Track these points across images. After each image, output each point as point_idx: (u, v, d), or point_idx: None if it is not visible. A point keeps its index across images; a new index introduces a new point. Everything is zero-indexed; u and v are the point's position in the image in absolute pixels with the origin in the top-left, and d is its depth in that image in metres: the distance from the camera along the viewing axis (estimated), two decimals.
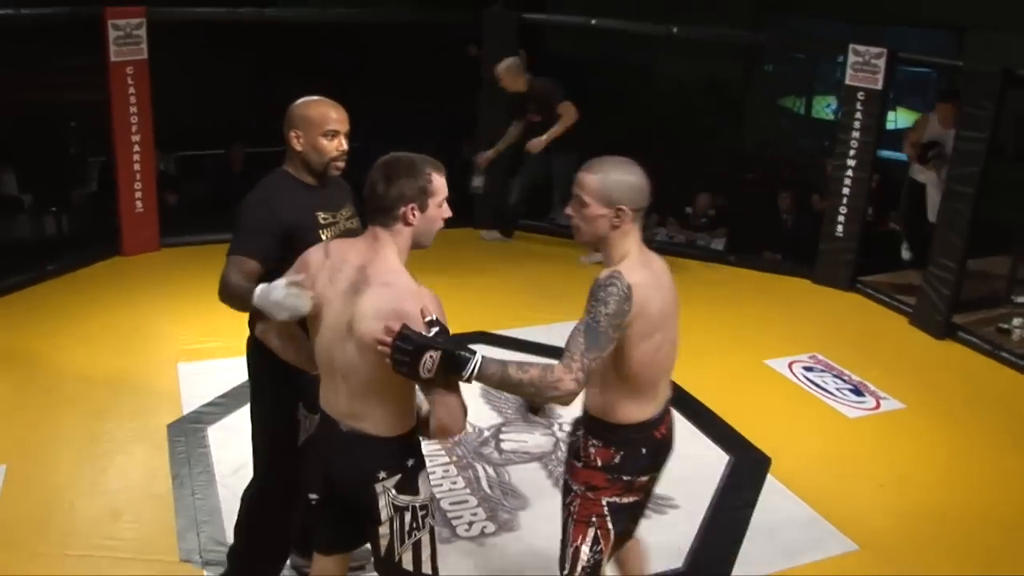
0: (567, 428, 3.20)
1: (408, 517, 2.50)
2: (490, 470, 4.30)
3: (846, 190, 6.67)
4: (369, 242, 2.44)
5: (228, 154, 8.69)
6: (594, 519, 2.62)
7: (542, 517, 3.75)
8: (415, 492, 2.51)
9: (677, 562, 3.71)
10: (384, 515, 2.48)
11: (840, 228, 6.75)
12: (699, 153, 10.01)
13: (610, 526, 2.63)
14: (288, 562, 3.42)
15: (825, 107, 11.39)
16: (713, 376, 5.25)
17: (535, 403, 2.90)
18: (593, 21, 7.50)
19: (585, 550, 2.63)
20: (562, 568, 2.68)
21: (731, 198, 8.83)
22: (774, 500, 4.17)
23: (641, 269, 2.48)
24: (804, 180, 8.79)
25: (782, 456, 4.50)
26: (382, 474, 2.46)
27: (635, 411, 2.58)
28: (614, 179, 2.48)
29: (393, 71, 9.85)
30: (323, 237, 2.94)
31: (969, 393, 5.37)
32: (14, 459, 4.21)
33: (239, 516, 3.32)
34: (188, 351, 5.30)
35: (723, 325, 6.07)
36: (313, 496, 2.61)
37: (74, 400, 4.75)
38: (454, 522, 3.87)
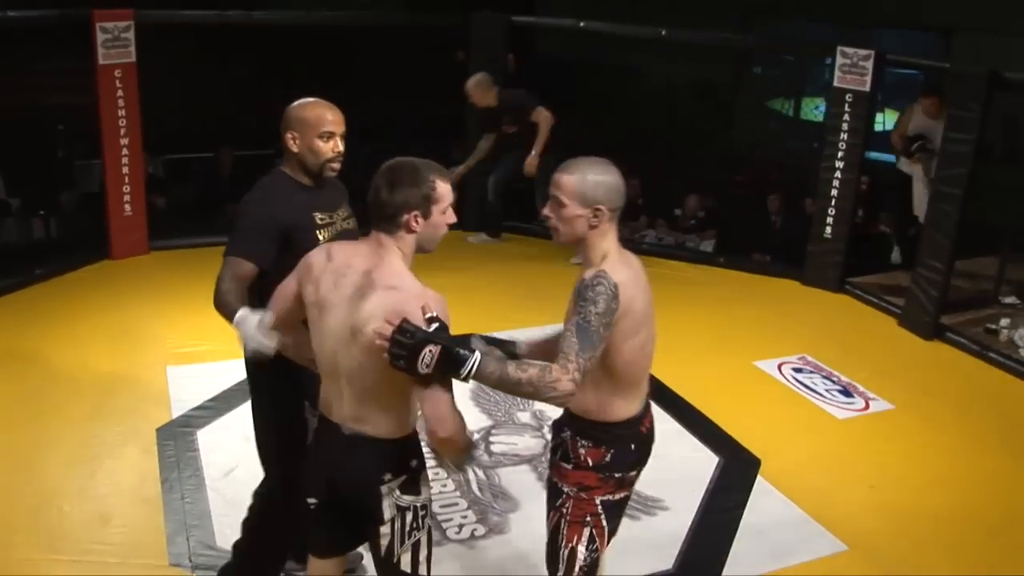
0: None
1: (409, 517, 2.51)
2: (480, 473, 4.30)
3: (834, 192, 6.69)
4: (373, 247, 2.44)
5: (217, 157, 8.68)
6: (588, 519, 2.62)
7: (532, 519, 3.74)
8: (417, 493, 2.53)
9: (667, 564, 3.71)
10: (387, 515, 2.49)
11: (829, 230, 6.77)
12: (688, 155, 10.04)
13: (604, 524, 2.63)
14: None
15: (814, 109, 11.42)
16: (702, 378, 5.27)
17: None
18: (582, 23, 7.51)
19: (581, 550, 2.63)
20: (554, 570, 2.69)
21: (720, 200, 8.85)
22: (764, 501, 4.18)
23: (624, 268, 2.49)
24: (793, 182, 8.82)
25: (772, 457, 4.51)
26: (387, 476, 2.47)
27: (622, 408, 2.60)
28: (591, 179, 2.48)
29: (382, 74, 9.85)
30: (320, 237, 2.95)
31: (957, 394, 5.40)
32: (2, 463, 4.19)
33: (248, 512, 3.31)
34: (177, 354, 5.28)
35: (712, 327, 6.08)
36: (312, 501, 2.61)
37: (63, 404, 4.73)
38: (444, 525, 3.87)
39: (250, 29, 8.16)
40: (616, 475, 2.61)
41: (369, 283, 2.38)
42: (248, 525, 3.31)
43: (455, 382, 2.34)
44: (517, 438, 4.62)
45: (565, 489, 2.64)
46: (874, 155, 7.38)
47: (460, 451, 2.44)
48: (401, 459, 2.50)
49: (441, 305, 2.35)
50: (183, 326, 5.56)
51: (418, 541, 2.55)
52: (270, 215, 2.92)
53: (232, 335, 2.99)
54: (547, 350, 2.68)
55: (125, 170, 6.74)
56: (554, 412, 2.74)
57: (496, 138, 7.13)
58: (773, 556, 3.80)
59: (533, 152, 6.76)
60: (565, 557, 2.65)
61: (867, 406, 5.15)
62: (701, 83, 11.32)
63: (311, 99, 3.04)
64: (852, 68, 6.46)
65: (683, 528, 3.94)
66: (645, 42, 9.24)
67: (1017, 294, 6.58)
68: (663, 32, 7.39)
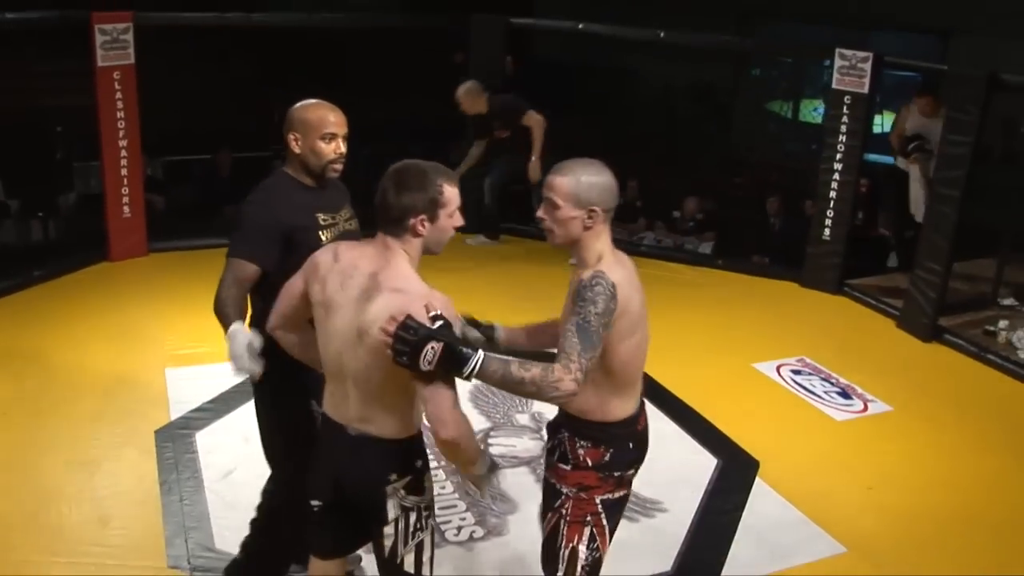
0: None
1: (413, 518, 2.52)
2: None
3: (833, 194, 6.70)
4: (380, 249, 2.44)
5: (215, 159, 8.67)
6: (588, 518, 2.63)
7: (531, 521, 3.71)
8: (422, 493, 2.53)
9: (666, 565, 3.71)
10: (391, 515, 2.50)
11: (827, 232, 6.77)
12: (687, 157, 10.04)
13: (605, 523, 2.64)
14: None
15: (812, 111, 11.42)
16: (701, 379, 5.27)
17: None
18: (581, 25, 7.51)
19: (582, 549, 2.63)
20: (552, 570, 2.68)
21: (719, 202, 8.86)
22: (762, 503, 4.18)
23: (619, 269, 2.50)
24: (792, 184, 8.83)
25: (770, 459, 4.51)
26: (393, 476, 2.48)
27: (620, 408, 2.60)
28: (585, 181, 2.49)
29: (381, 75, 9.85)
30: (323, 238, 2.96)
31: (956, 395, 5.40)
32: (1, 464, 4.19)
33: (256, 511, 3.30)
34: (176, 356, 5.28)
35: (711, 329, 6.08)
36: (316, 503, 2.61)
37: (62, 405, 4.72)
38: (443, 527, 3.86)
39: (249, 31, 8.17)
40: (615, 474, 2.62)
41: (375, 285, 2.38)
42: (257, 524, 3.31)
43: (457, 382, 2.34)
44: (516, 440, 4.61)
45: (564, 490, 2.64)
46: (873, 157, 7.38)
47: (470, 461, 2.42)
48: (406, 459, 2.51)
49: (447, 305, 2.35)
50: (182, 328, 5.55)
51: (422, 541, 2.55)
52: (273, 216, 2.92)
53: None
54: (529, 332, 2.87)
55: (124, 172, 6.73)
56: (553, 414, 2.74)
57: (487, 144, 7.16)
58: (772, 558, 3.80)
59: (533, 157, 6.78)
60: (566, 557, 2.65)
61: (866, 408, 5.15)
62: (700, 85, 11.32)
63: (313, 100, 3.05)
64: (851, 70, 6.47)
65: (682, 530, 3.94)
66: (644, 44, 9.26)
67: (1015, 296, 6.58)
68: (662, 34, 7.39)
